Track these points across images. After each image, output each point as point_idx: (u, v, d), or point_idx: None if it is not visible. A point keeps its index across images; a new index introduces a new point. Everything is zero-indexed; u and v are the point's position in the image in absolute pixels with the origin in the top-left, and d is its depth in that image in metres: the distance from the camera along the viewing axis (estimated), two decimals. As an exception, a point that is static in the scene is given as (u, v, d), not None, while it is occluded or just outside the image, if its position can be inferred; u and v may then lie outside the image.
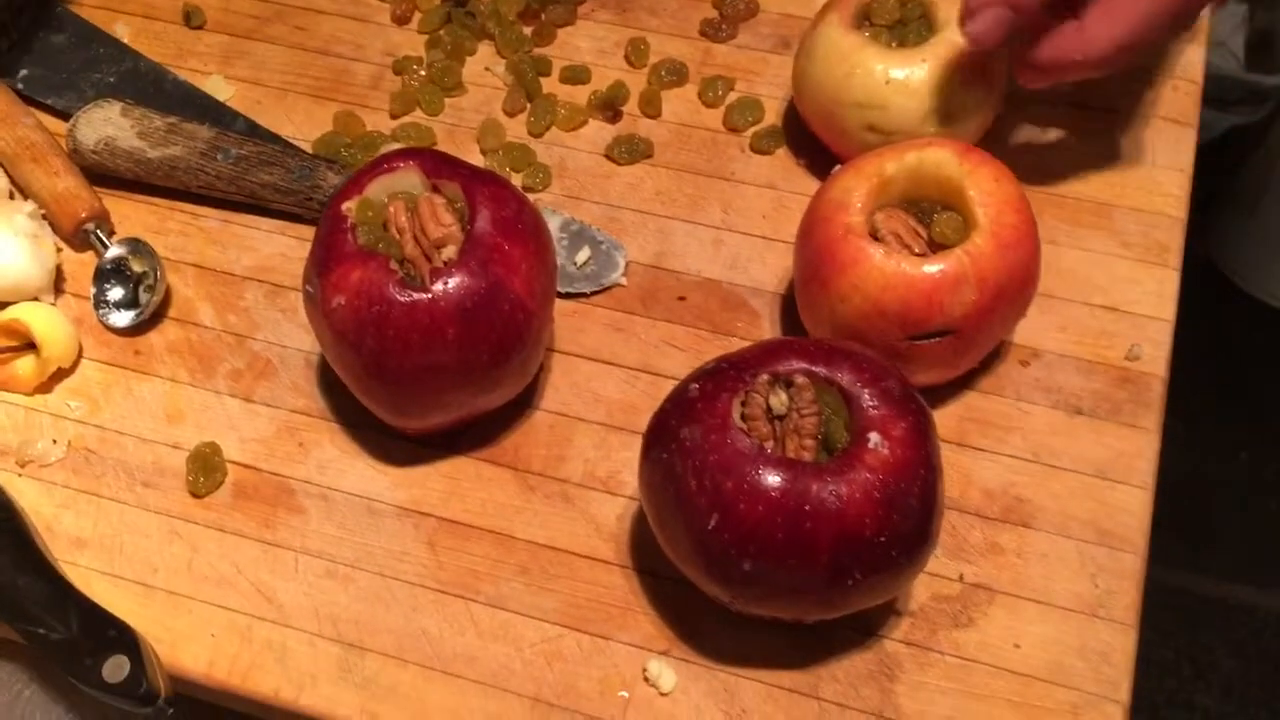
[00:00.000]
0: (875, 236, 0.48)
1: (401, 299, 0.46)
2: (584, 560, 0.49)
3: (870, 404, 0.42)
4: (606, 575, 0.49)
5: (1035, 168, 0.58)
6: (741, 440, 0.41)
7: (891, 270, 0.47)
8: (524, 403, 0.53)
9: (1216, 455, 1.18)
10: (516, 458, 0.52)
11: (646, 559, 0.49)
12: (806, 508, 0.40)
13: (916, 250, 0.48)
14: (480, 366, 0.47)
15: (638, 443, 0.47)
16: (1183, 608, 1.15)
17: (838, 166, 0.52)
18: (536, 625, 0.48)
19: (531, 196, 0.59)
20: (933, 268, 0.47)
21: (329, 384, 0.54)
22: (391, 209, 0.48)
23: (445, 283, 0.46)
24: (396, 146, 0.60)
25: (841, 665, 0.46)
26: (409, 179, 0.49)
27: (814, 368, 0.43)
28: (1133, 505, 0.49)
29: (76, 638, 0.45)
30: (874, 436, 0.41)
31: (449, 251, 0.47)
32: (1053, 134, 0.59)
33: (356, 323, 0.46)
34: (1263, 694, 1.12)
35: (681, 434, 0.43)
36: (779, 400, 0.42)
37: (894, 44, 0.55)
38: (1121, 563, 0.48)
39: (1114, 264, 0.56)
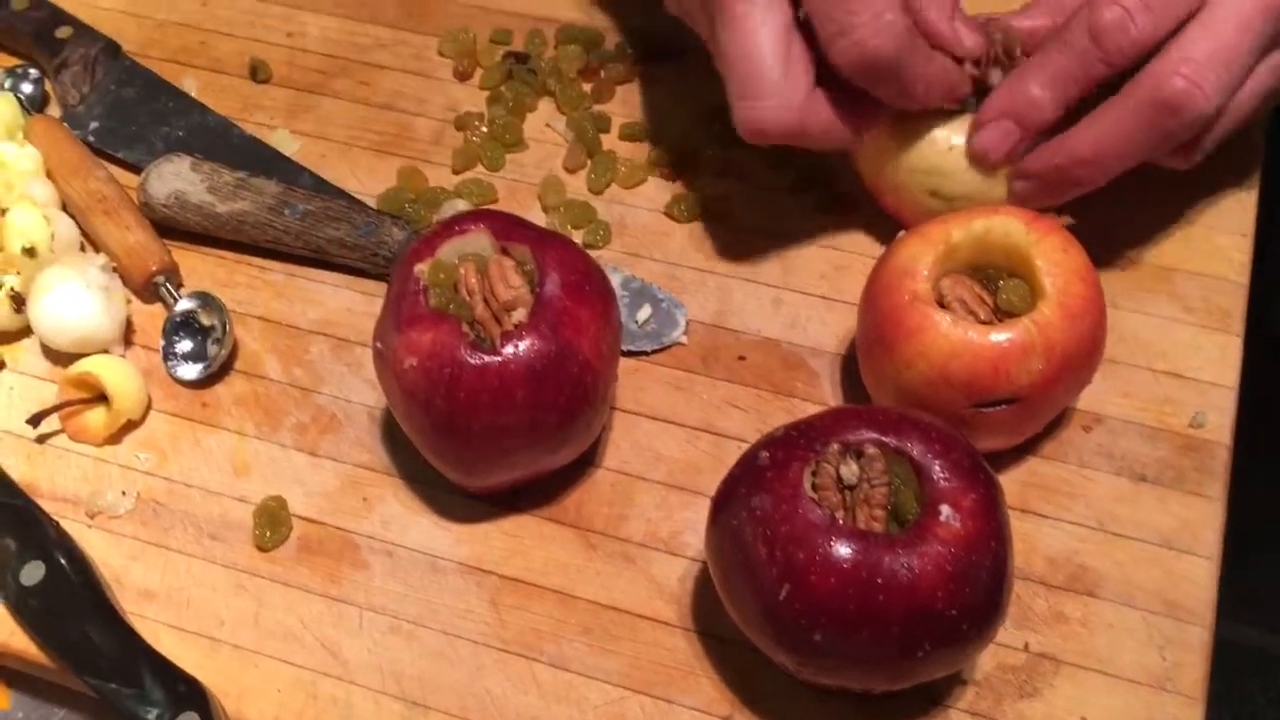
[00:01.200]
0: (941, 304, 0.49)
1: (472, 361, 0.46)
2: (646, 621, 0.49)
3: (941, 475, 0.42)
4: (669, 637, 0.49)
5: (1096, 231, 0.58)
6: (813, 511, 0.42)
7: (958, 338, 0.47)
8: (586, 461, 0.53)
9: (1257, 504, 1.17)
10: (579, 516, 0.52)
11: (709, 621, 0.49)
12: (879, 580, 0.40)
13: (982, 318, 0.48)
14: (548, 427, 0.48)
15: (699, 503, 0.47)
16: (1224, 659, 1.14)
17: (902, 232, 0.52)
18: (600, 687, 0.48)
19: (592, 253, 0.60)
20: (1000, 336, 0.47)
21: (393, 439, 0.55)
22: (462, 271, 0.49)
23: (515, 345, 0.46)
24: (459, 202, 0.61)
25: (906, 734, 0.46)
26: (479, 241, 0.50)
27: (884, 438, 0.43)
28: (1199, 576, 0.49)
29: (147, 693, 0.45)
30: (945, 509, 0.41)
31: (519, 314, 0.47)
32: (1113, 199, 0.59)
33: (428, 384, 0.47)
34: (1303, 744, 1.10)
35: (752, 502, 0.43)
36: (850, 470, 0.43)
37: (956, 110, 0.55)
38: (1189, 635, 0.48)
39: (1176, 329, 0.56)
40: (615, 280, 0.59)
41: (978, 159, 0.53)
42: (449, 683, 0.48)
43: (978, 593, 0.41)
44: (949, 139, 0.54)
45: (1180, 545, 0.50)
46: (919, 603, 0.40)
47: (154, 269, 0.58)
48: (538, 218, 0.61)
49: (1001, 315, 0.49)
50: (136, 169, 0.63)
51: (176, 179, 0.60)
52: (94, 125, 0.65)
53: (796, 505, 0.42)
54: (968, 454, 0.43)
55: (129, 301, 0.59)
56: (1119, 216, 0.59)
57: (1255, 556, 1.16)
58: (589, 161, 0.63)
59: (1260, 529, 1.16)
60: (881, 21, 0.49)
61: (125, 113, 0.66)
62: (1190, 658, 0.47)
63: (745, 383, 0.56)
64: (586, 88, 0.66)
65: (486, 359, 0.46)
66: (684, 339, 0.57)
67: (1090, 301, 0.48)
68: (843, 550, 0.41)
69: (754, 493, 0.43)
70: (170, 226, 0.60)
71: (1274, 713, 1.13)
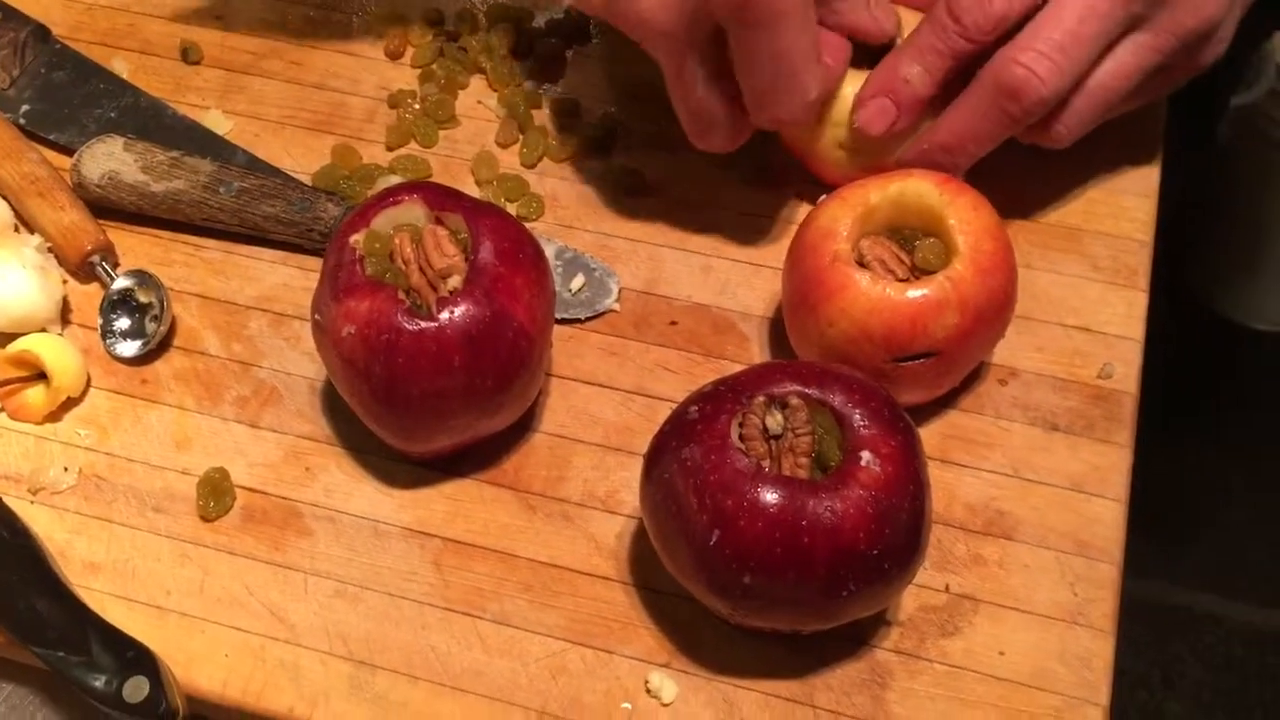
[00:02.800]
0: (861, 263, 0.51)
1: (409, 327, 0.47)
2: (585, 577, 0.51)
3: (861, 423, 0.44)
4: (607, 591, 0.51)
5: (1009, 195, 0.60)
6: (740, 460, 0.43)
7: (877, 295, 0.49)
8: (524, 426, 0.55)
9: (1187, 469, 1.21)
10: (518, 479, 0.54)
11: (646, 575, 0.51)
12: (804, 523, 0.42)
13: (900, 276, 0.51)
14: (485, 391, 0.49)
15: (635, 463, 0.49)
16: (1154, 619, 1.18)
17: (823, 196, 0.54)
18: (541, 641, 0.49)
19: (526, 225, 0.61)
20: (916, 293, 0.49)
21: (334, 409, 0.56)
22: (397, 241, 0.50)
23: (451, 311, 0.48)
24: (393, 177, 0.62)
25: (835, 674, 0.48)
26: (413, 212, 0.51)
27: (807, 389, 0.45)
28: (1108, 517, 0.52)
29: (96, 660, 0.46)
30: (866, 454, 0.44)
31: (454, 281, 0.49)
32: (1024, 163, 0.62)
33: (366, 351, 0.48)
34: (1229, 702, 1.15)
35: (682, 454, 0.45)
36: (775, 421, 0.45)
37: (862, 67, 0.57)
38: (1099, 572, 0.50)
39: (1085, 286, 0.58)
40: (549, 251, 0.60)
41: (863, 132, 0.55)
42: (395, 642, 0.50)
43: (898, 533, 0.43)
44: (855, 94, 0.56)
45: (1090, 489, 0.52)
46: (842, 543, 0.43)
47: (89, 248, 0.59)
48: (471, 192, 0.62)
49: (918, 273, 0.51)
50: (69, 151, 0.63)
51: (110, 159, 0.60)
52: (25, 108, 0.65)
53: (724, 455, 0.44)
54: (887, 403, 0.45)
55: (65, 281, 0.59)
56: (1030, 181, 0.61)
57: (1184, 517, 1.21)
58: (521, 136, 0.65)
59: (1190, 491, 1.20)
60: None
61: (56, 95, 0.66)
62: (1100, 593, 0.50)
63: (677, 346, 0.57)
64: (517, 65, 0.67)
65: (423, 325, 0.48)
66: (617, 306, 0.59)
67: (1000, 258, 0.50)
68: (769, 496, 0.43)
69: (684, 445, 0.45)
70: (105, 207, 0.61)
71: (1200, 669, 1.17)
